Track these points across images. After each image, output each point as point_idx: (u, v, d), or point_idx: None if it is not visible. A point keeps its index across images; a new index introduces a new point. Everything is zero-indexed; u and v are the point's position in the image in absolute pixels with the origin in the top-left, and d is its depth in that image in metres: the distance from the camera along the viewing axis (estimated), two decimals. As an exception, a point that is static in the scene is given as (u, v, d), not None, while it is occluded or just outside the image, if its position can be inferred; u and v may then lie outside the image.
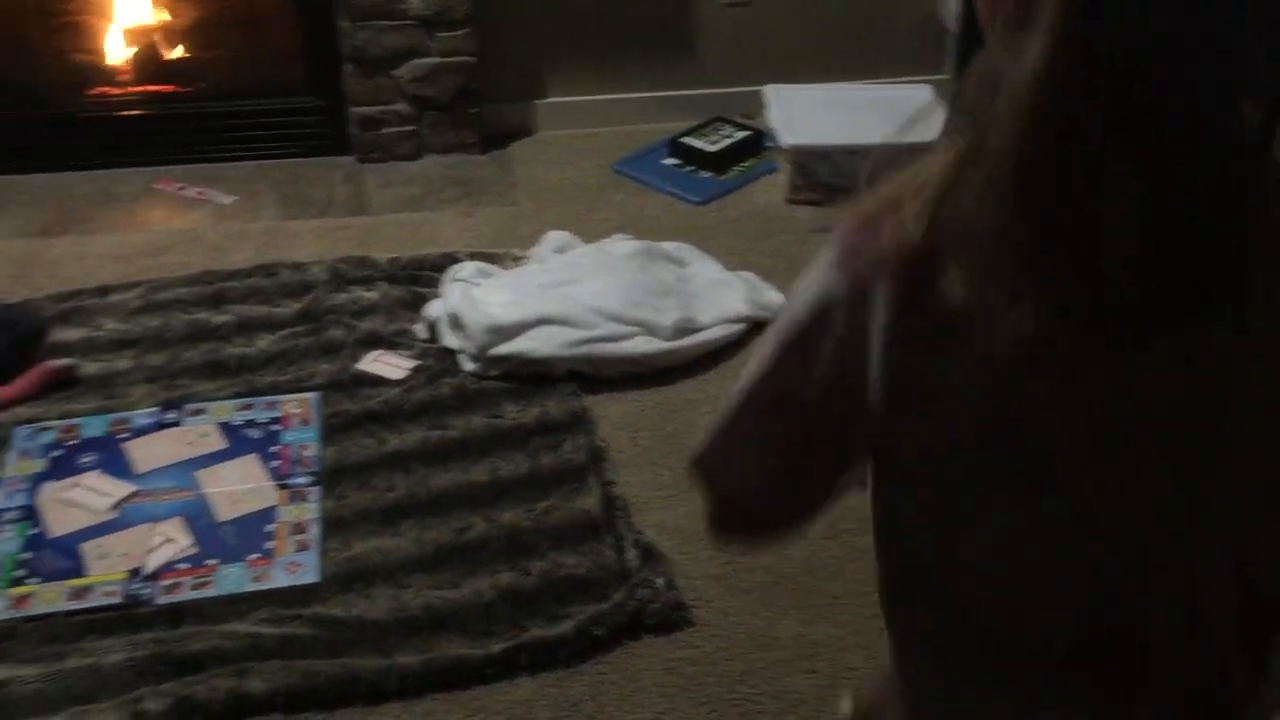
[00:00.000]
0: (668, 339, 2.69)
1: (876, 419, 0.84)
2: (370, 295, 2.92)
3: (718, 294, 2.83)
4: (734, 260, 3.06)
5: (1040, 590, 0.88)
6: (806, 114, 3.42)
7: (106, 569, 2.13)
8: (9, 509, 2.26)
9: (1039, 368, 0.79)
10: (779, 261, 3.10)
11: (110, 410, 2.52)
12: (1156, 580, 0.87)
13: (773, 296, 2.86)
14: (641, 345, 2.66)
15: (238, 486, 2.34)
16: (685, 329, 2.71)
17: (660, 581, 2.08)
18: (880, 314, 0.80)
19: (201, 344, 2.74)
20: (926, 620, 0.94)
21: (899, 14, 3.75)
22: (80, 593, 2.08)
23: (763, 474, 0.94)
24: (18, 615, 2.03)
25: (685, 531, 2.24)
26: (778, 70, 3.70)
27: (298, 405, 2.56)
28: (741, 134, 3.61)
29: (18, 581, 2.10)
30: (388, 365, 2.69)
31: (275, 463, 2.40)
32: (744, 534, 1.06)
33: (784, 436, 0.91)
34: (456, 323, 2.68)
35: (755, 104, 3.71)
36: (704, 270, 2.97)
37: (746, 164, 3.55)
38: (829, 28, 3.74)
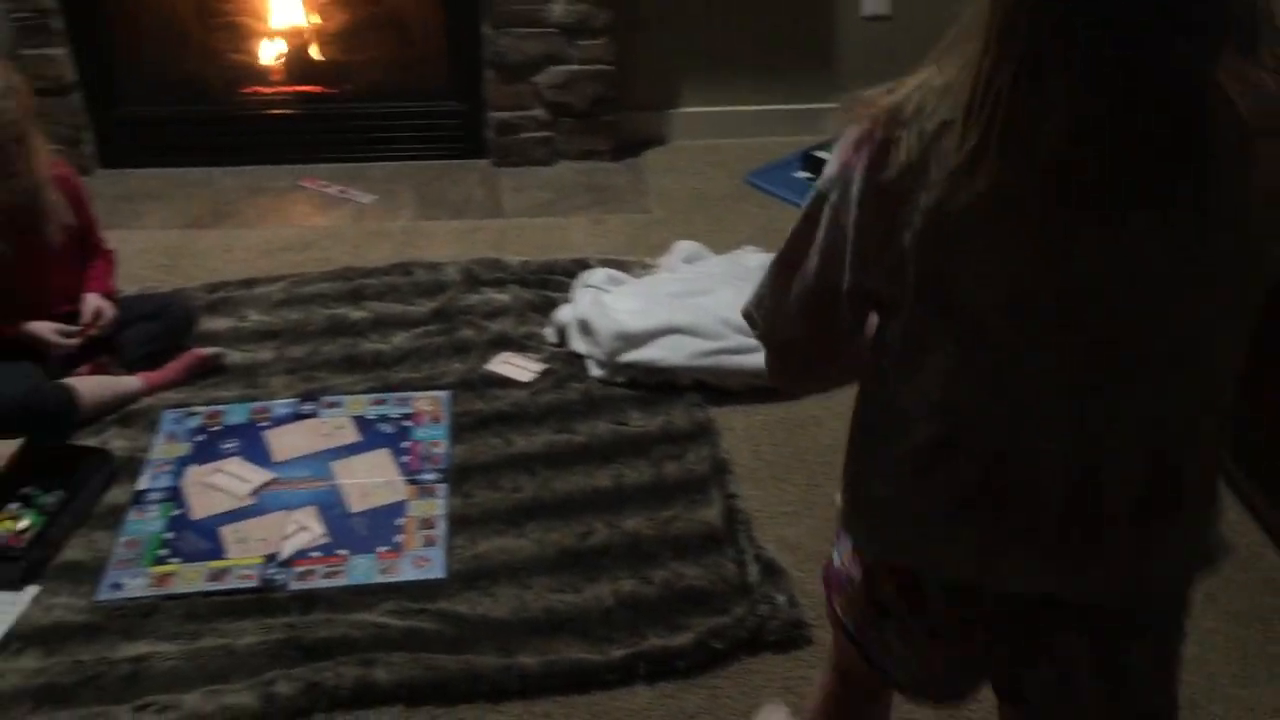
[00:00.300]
0: (795, 354, 2.67)
1: (856, 275, 1.04)
2: (502, 297, 2.97)
3: (848, 310, 2.80)
4: (865, 276, 3.02)
5: (965, 430, 1.05)
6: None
7: (243, 553, 2.21)
8: (155, 490, 2.36)
9: (964, 237, 0.96)
10: (911, 279, 3.06)
11: (252, 399, 2.61)
12: (1056, 439, 1.02)
13: (904, 315, 2.83)
14: (768, 359, 2.64)
15: (369, 479, 2.40)
16: (814, 344, 2.69)
17: (781, 598, 2.06)
18: (856, 185, 1.01)
19: (339, 338, 2.82)
20: (879, 439, 1.13)
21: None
22: (218, 575, 2.16)
23: (795, 324, 1.13)
24: (160, 593, 2.11)
25: (807, 548, 2.22)
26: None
27: (429, 403, 2.61)
28: (876, 149, 3.57)
29: (161, 560, 2.19)
30: (516, 367, 2.73)
31: (405, 458, 2.45)
32: (792, 378, 1.25)
33: (803, 292, 1.10)
34: (586, 328, 2.71)
35: (892, 119, 3.67)
36: (834, 286, 2.94)
37: (880, 179, 3.51)
38: (971, 43, 3.68)
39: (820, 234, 1.06)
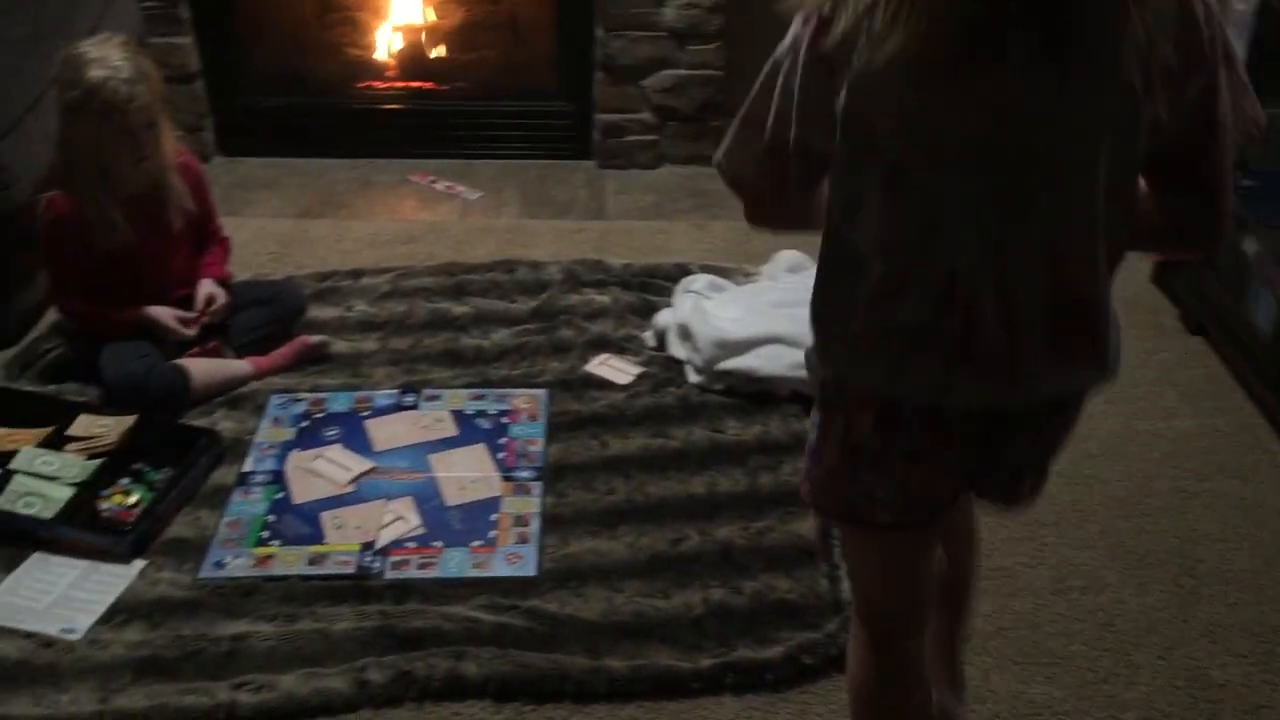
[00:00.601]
0: (897, 369, 2.63)
1: (801, 131, 1.23)
2: (602, 299, 2.98)
3: (953, 328, 2.75)
4: (970, 294, 2.98)
5: (910, 266, 1.22)
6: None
7: (341, 539, 2.25)
8: (259, 472, 2.41)
9: (888, 95, 1.14)
10: (1017, 299, 3.00)
11: (355, 388, 2.66)
12: (983, 272, 1.20)
13: (1011, 336, 2.77)
14: (869, 373, 2.61)
15: (466, 474, 2.42)
16: (916, 361, 2.65)
17: (874, 617, 2.03)
18: (803, 54, 1.19)
19: (441, 332, 2.85)
20: (843, 280, 1.28)
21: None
22: (317, 559, 2.19)
23: (758, 174, 1.32)
24: (260, 574, 2.16)
25: (902, 568, 2.19)
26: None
27: (526, 400, 2.63)
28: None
29: (263, 542, 2.24)
30: (614, 369, 2.73)
31: (501, 454, 2.47)
32: (763, 219, 1.41)
33: (759, 148, 1.28)
34: (686, 334, 2.71)
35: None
36: (939, 302, 2.90)
37: (990, 196, 3.45)
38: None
39: (774, 97, 1.24)
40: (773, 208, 1.37)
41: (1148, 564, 2.22)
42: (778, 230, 1.44)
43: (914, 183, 1.18)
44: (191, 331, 2.60)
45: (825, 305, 1.34)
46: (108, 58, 2.37)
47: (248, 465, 2.43)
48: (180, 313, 2.60)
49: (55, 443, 2.39)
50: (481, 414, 2.59)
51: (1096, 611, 2.11)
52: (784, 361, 2.59)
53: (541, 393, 2.65)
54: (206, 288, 2.65)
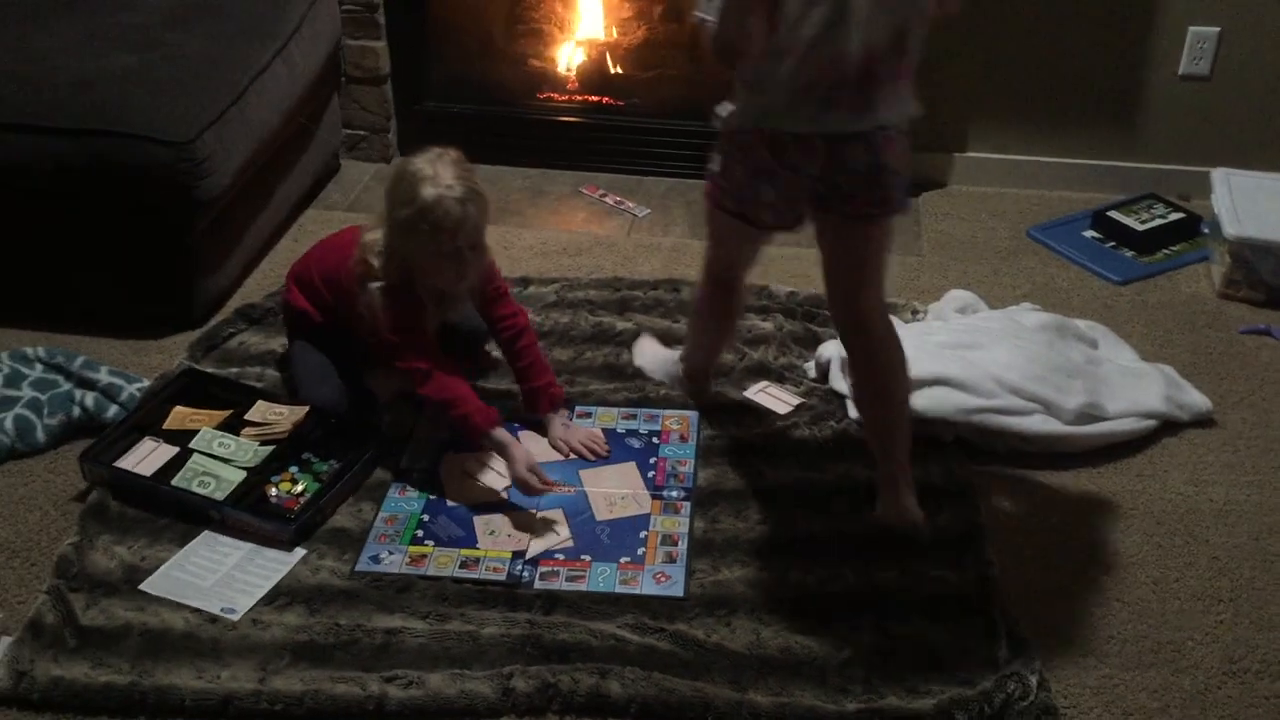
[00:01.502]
0: (1068, 423, 2.54)
1: None
2: (765, 325, 2.95)
3: (1131, 384, 2.64)
4: (1149, 350, 2.86)
5: (814, 49, 1.90)
6: (1257, 204, 3.13)
7: (493, 545, 2.27)
8: (415, 470, 2.46)
9: None
10: (1200, 359, 2.86)
11: (513, 395, 2.68)
12: (856, 46, 1.89)
13: (1194, 397, 2.64)
14: (1038, 424, 2.53)
15: (616, 490, 2.43)
16: (1089, 415, 2.55)
17: (1033, 679, 1.95)
18: None
19: (603, 347, 2.87)
20: (770, 68, 1.95)
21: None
22: (470, 563, 2.23)
23: (733, 25, 1.92)
24: (414, 571, 2.20)
25: (1064, 635, 2.10)
26: (1227, 153, 3.43)
27: (677, 421, 2.62)
28: (1175, 215, 3.37)
29: (417, 540, 2.28)
30: (773, 398, 2.70)
31: (651, 473, 2.47)
32: (730, 52, 1.98)
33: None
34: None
35: (1194, 185, 3.46)
36: (1117, 355, 2.78)
37: (1176, 248, 3.31)
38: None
39: None
40: (741, 40, 1.92)
41: (1332, 653, 2.08)
42: (732, 61, 2.00)
43: None
44: (538, 489, 2.35)
45: (759, 83, 1.99)
46: (440, 176, 2.30)
47: (404, 463, 2.48)
48: (535, 463, 2.38)
49: (232, 426, 2.49)
50: (633, 433, 2.59)
51: (1273, 698, 1.99)
52: (950, 404, 2.52)
53: (692, 414, 2.64)
54: (579, 436, 2.51)
